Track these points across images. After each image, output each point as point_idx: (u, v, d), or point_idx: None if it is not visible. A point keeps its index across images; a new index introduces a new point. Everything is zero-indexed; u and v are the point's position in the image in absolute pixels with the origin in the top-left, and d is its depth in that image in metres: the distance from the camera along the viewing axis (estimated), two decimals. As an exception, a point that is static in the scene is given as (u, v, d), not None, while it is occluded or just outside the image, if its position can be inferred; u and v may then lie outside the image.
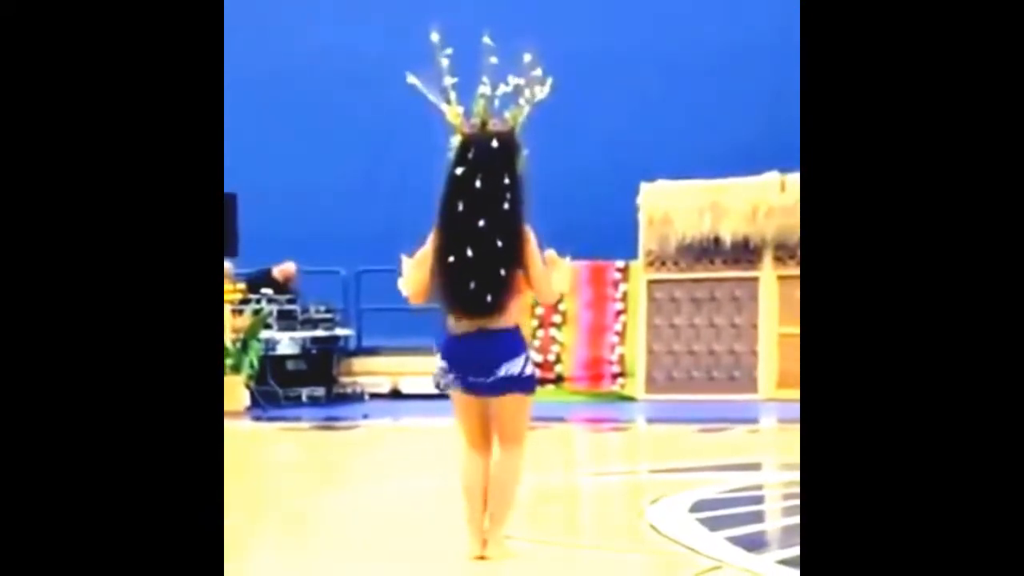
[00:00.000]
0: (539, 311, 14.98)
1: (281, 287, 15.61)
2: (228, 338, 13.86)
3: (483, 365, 5.07)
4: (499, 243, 5.06)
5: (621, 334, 15.35)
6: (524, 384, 5.13)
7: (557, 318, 15.30)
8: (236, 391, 13.84)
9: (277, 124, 18.42)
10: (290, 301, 15.56)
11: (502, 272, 5.07)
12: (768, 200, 14.82)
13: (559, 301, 14.34)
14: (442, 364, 5.17)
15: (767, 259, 14.91)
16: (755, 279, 14.99)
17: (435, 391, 5.37)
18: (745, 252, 14.98)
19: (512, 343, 5.12)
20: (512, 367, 5.08)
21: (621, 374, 15.32)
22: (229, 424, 11.26)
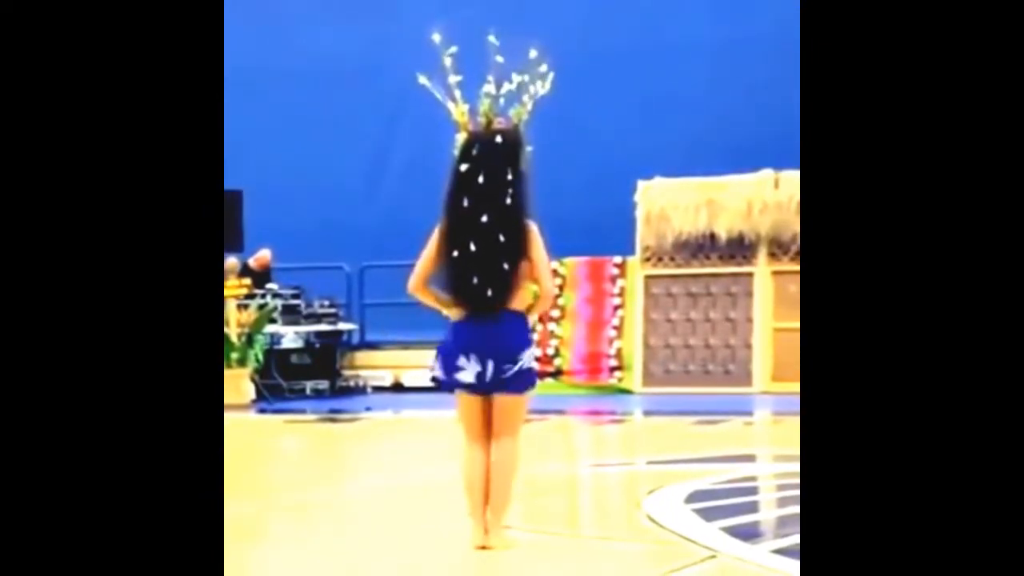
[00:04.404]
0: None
1: (259, 276, 15.69)
2: (234, 332, 13.95)
3: (492, 353, 5.16)
4: (501, 238, 5.14)
5: (619, 328, 15.45)
6: (529, 380, 5.28)
7: (556, 313, 15.40)
8: (241, 384, 13.87)
9: (282, 122, 18.46)
10: (295, 296, 15.67)
11: (504, 267, 5.14)
12: (763, 197, 14.91)
13: (557, 296, 14.51)
14: (450, 354, 5.24)
15: (762, 255, 15.00)
16: (750, 274, 15.08)
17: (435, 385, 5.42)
18: (740, 248, 15.08)
19: (519, 334, 5.23)
20: (523, 357, 5.20)
21: (619, 368, 15.40)
22: (235, 416, 11.39)
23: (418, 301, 5.42)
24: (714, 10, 17.31)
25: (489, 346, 5.16)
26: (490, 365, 5.16)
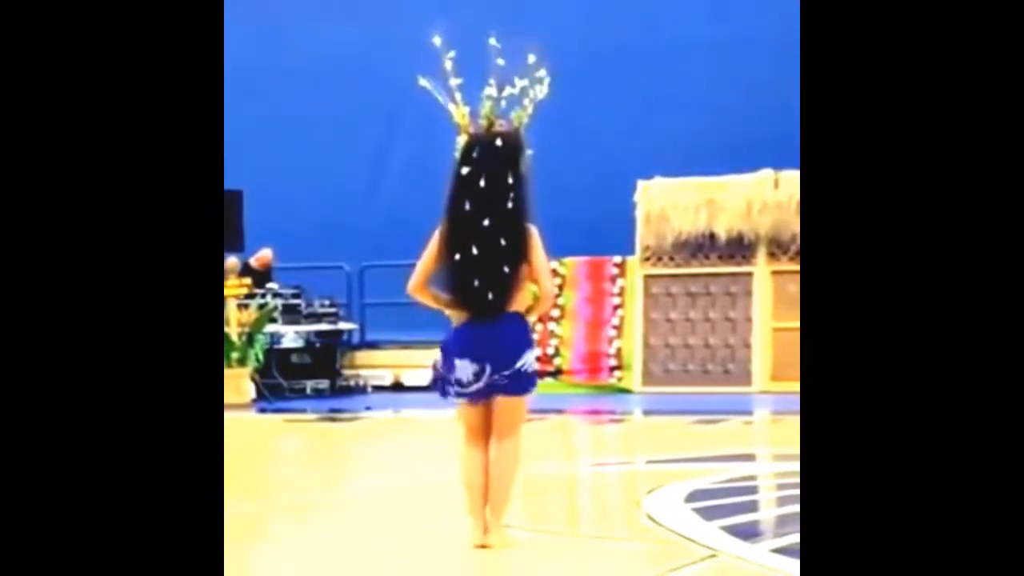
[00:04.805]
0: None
1: (260, 275, 15.71)
2: (234, 332, 13.96)
3: (490, 359, 5.19)
4: (503, 241, 5.15)
5: (618, 328, 15.46)
6: (528, 383, 5.28)
7: (556, 312, 15.41)
8: (242, 384, 13.88)
9: (282, 122, 18.48)
10: (295, 296, 15.68)
11: (505, 270, 5.16)
12: (762, 196, 14.92)
13: (557, 296, 14.51)
14: (449, 359, 5.28)
15: (761, 254, 15.01)
16: (749, 274, 15.09)
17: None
18: (739, 248, 15.08)
19: (520, 336, 5.25)
20: (522, 361, 5.21)
21: (618, 367, 15.41)
22: (235, 416, 11.39)
23: (418, 302, 5.44)
24: (714, 10, 17.32)
25: (487, 351, 5.18)
26: (487, 370, 5.18)
